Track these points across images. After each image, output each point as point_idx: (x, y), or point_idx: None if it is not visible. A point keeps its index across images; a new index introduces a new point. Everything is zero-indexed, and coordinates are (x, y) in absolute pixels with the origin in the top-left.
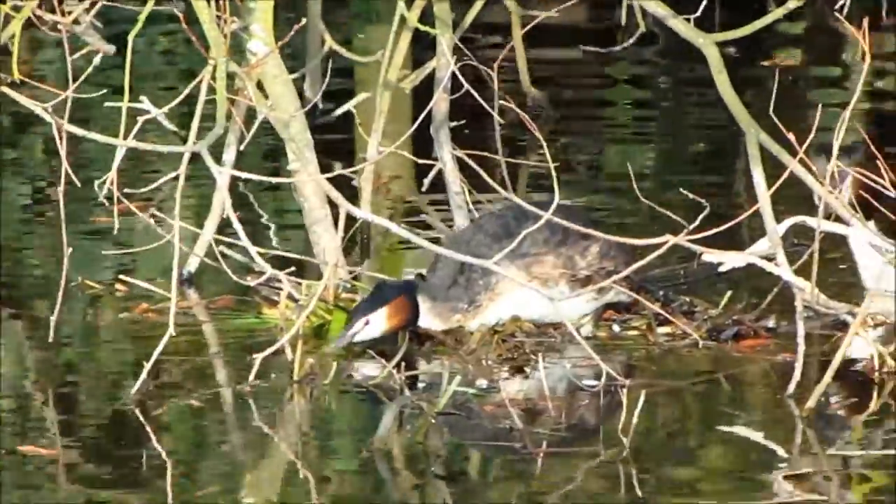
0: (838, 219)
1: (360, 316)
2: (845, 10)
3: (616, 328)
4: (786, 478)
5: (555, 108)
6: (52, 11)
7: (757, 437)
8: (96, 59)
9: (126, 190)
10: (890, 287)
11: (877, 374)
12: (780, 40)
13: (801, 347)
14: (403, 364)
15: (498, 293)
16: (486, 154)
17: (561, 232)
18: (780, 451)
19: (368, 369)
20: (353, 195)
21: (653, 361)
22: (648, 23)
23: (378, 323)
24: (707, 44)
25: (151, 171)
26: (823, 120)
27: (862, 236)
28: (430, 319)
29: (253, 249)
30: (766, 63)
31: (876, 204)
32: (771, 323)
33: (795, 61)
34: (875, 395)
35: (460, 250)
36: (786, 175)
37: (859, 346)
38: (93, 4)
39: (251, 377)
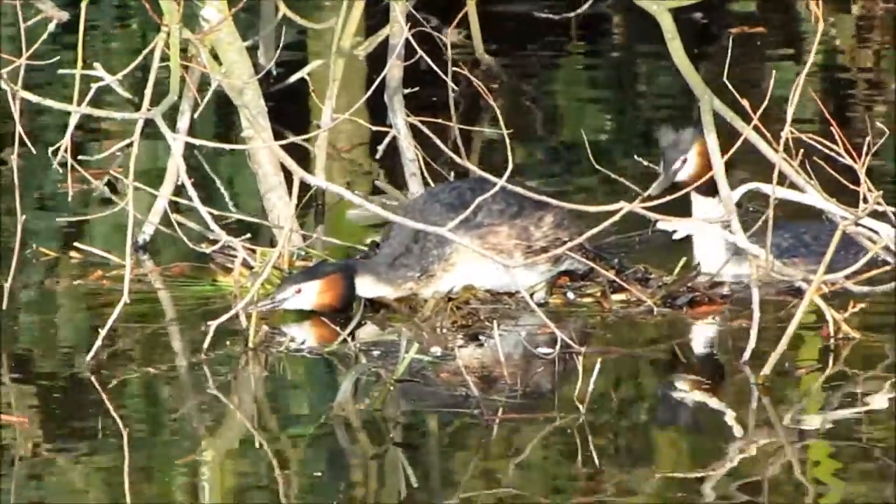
0: (792, 185)
1: (292, 283)
2: None
3: (570, 295)
4: (741, 444)
5: (507, 74)
6: None
7: (712, 403)
8: (51, 26)
9: (80, 157)
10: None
11: (832, 340)
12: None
13: (757, 314)
14: (359, 331)
15: (452, 263)
16: (441, 121)
17: (516, 203)
18: (736, 418)
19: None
20: (307, 162)
21: (607, 328)
22: None
23: (310, 294)
24: (661, 11)
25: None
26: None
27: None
28: (379, 288)
29: (208, 216)
30: (733, 30)
31: (831, 170)
32: (725, 290)
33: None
34: (830, 361)
35: (415, 219)
36: (740, 141)
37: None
38: None
39: (206, 344)
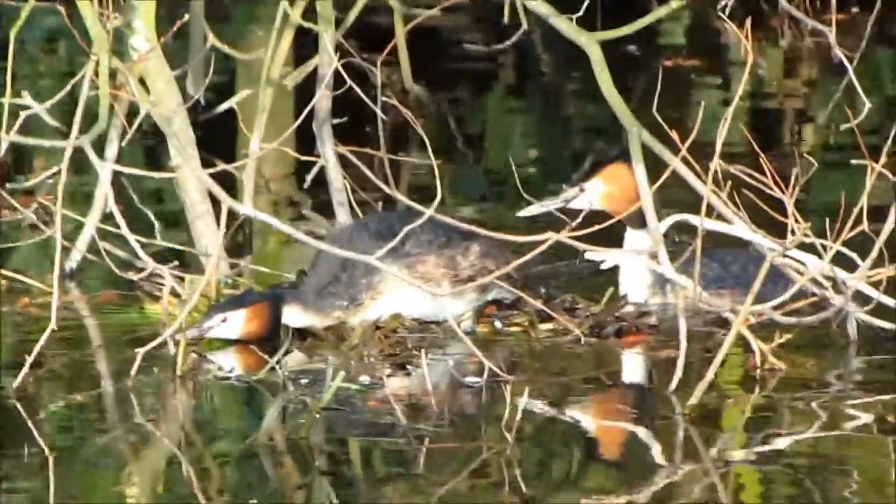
0: (720, 216)
1: (218, 312)
2: (727, 10)
3: (498, 324)
4: (667, 472)
5: (436, 105)
6: None
7: (640, 433)
8: None
9: (8, 185)
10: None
11: (758, 370)
12: (666, 39)
13: (684, 344)
14: (286, 359)
15: (380, 292)
16: (369, 151)
17: (444, 233)
18: (662, 448)
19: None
20: (235, 190)
21: (535, 358)
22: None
23: (235, 323)
24: (589, 42)
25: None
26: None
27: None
28: (307, 317)
29: (136, 244)
30: (668, 63)
31: (760, 203)
32: (653, 320)
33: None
34: (757, 391)
35: (343, 248)
36: (668, 173)
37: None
38: None
39: (133, 372)
